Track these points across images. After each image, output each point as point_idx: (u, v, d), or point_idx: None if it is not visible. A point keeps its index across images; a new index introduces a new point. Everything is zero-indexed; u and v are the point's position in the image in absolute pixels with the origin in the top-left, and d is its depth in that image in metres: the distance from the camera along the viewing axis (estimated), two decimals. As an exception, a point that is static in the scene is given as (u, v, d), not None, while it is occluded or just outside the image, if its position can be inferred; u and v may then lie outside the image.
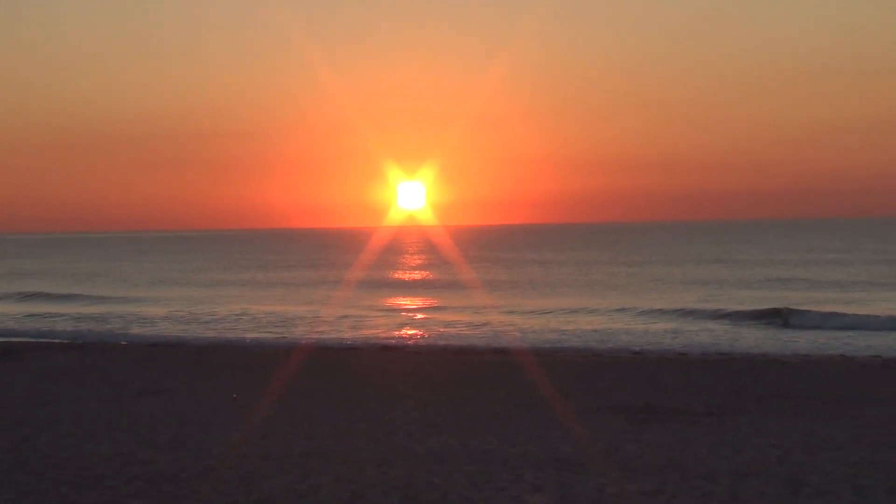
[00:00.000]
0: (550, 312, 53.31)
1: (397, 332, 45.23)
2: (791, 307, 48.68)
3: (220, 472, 14.31)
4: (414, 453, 15.50)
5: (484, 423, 18.16)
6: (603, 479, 13.75)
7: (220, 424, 18.13)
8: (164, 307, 60.31)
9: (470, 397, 21.60)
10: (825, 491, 13.03)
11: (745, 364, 28.53)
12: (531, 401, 21.00)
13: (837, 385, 23.61)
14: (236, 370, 27.12)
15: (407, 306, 60.59)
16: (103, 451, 15.80)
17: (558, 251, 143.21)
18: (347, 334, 44.31)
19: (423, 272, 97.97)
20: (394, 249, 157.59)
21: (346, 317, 53.06)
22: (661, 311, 51.33)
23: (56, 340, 39.80)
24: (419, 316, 54.38)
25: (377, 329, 46.72)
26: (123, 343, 39.37)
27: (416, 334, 44.61)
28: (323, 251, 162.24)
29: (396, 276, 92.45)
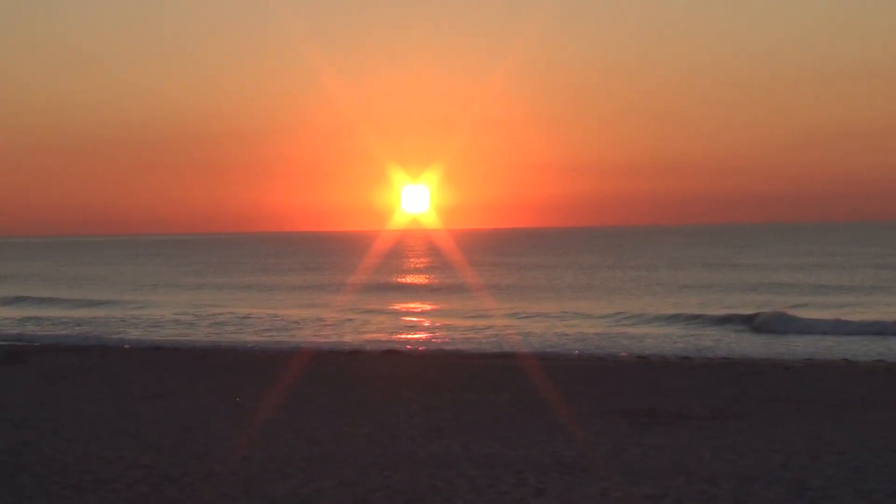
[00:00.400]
0: (553, 316, 53.28)
1: (400, 336, 45.22)
2: (776, 311, 48.83)
3: (223, 475, 14.30)
4: (417, 457, 15.48)
5: (487, 427, 18.14)
6: (606, 483, 13.73)
7: (222, 428, 18.12)
8: (167, 310, 60.32)
9: (473, 401, 21.58)
10: (829, 495, 13.00)
11: (748, 368, 28.50)
12: (534, 404, 20.98)
13: (841, 389, 23.57)
14: (239, 374, 27.11)
15: (410, 310, 60.57)
16: (106, 454, 15.79)
17: (561, 255, 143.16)
18: (350, 338, 44.31)
19: (426, 276, 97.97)
20: (397, 253, 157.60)
21: (348, 320, 53.07)
22: (664, 316, 51.29)
23: (59, 343, 39.79)
24: (422, 320, 54.36)
25: (380, 333, 46.72)
26: (126, 346, 39.36)
27: (418, 338, 44.61)
28: (326, 255, 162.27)
29: (399, 279, 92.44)
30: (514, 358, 32.10)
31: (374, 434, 17.48)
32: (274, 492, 13.35)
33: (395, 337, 44.78)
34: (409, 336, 45.48)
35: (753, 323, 46.08)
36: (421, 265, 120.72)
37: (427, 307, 62.10)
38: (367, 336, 45.07)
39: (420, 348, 39.99)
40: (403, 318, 55.49)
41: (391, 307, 61.80)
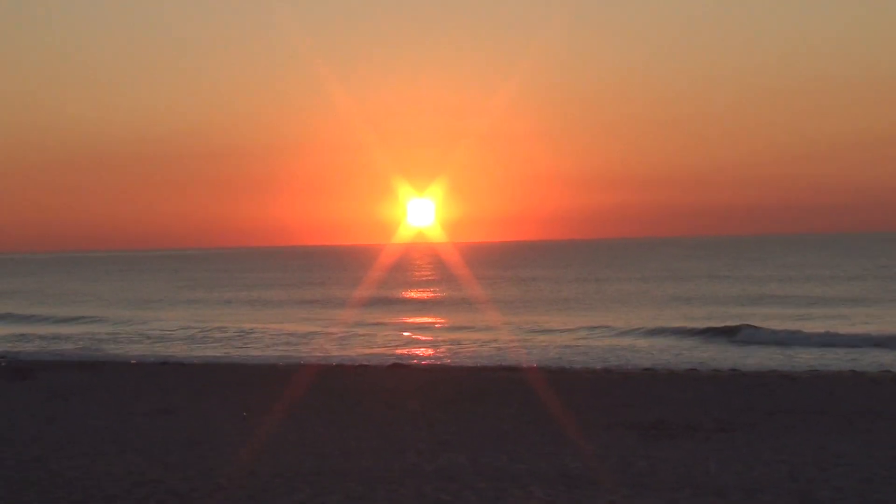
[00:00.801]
0: (559, 329, 53.25)
1: (406, 350, 45.21)
2: (750, 324, 49.24)
3: (230, 490, 14.30)
4: (423, 471, 15.48)
5: (493, 440, 18.13)
6: (613, 495, 13.72)
7: (229, 443, 18.12)
8: (174, 325, 60.35)
9: (479, 414, 21.57)
10: (837, 507, 12.98)
11: (755, 380, 28.46)
12: (541, 417, 20.97)
13: (848, 400, 23.53)
14: (246, 388, 27.11)
15: (416, 324, 60.55)
16: (113, 470, 15.79)
17: (567, 268, 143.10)
18: (356, 352, 44.31)
19: (431, 289, 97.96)
20: (403, 267, 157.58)
21: (354, 334, 53.07)
22: (670, 328, 51.24)
23: (66, 359, 39.82)
24: (428, 333, 54.35)
25: (386, 346, 46.71)
26: (133, 361, 39.38)
27: (424, 352, 44.59)
28: (332, 269, 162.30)
29: (405, 293, 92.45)
30: (520, 371, 32.08)
31: (381, 448, 17.48)
32: (281, 506, 13.34)
33: (401, 351, 44.77)
34: (415, 350, 45.48)
35: (735, 336, 46.40)
36: (426, 279, 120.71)
37: (432, 321, 62.08)
38: (373, 350, 45.07)
39: (426, 362, 39.98)
40: (409, 331, 55.47)
41: (397, 321, 61.79)
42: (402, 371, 33.02)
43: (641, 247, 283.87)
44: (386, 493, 14.01)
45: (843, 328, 48.10)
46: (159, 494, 14.07)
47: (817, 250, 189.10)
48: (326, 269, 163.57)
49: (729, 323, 52.02)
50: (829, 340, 43.69)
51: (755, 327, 48.33)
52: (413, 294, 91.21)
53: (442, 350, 44.81)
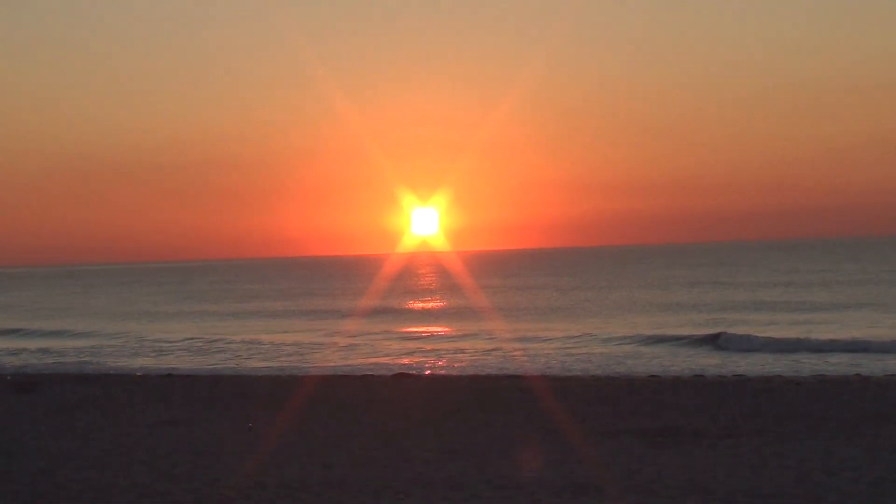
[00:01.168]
0: (562, 337, 53.23)
1: (412, 359, 45.19)
2: (729, 331, 49.45)
3: (237, 502, 14.29)
4: (430, 480, 15.46)
5: (500, 449, 18.11)
6: (620, 503, 13.70)
7: (235, 454, 18.12)
8: (179, 337, 60.35)
9: (486, 423, 21.55)
10: (845, 512, 12.96)
11: (762, 385, 28.43)
12: (547, 425, 20.95)
13: (854, 405, 23.50)
14: (251, 400, 27.10)
15: (421, 333, 60.53)
16: (120, 482, 15.79)
17: (567, 276, 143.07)
18: (362, 362, 44.29)
19: (436, 299, 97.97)
20: (407, 276, 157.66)
21: (360, 344, 53.06)
22: (672, 335, 51.18)
23: (71, 372, 39.82)
24: (433, 343, 54.33)
25: (391, 356, 46.70)
26: (138, 374, 39.38)
27: (429, 361, 44.57)
28: (338, 279, 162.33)
29: (410, 302, 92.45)
30: (525, 379, 32.06)
31: (388, 457, 17.47)
32: (288, 517, 13.33)
33: (405, 360, 44.75)
34: (420, 359, 45.45)
35: (717, 342, 46.66)
36: (430, 288, 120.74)
37: (437, 330, 62.06)
38: (378, 360, 45.05)
39: (431, 371, 39.97)
40: (414, 341, 55.45)
41: (402, 330, 61.77)
42: (407, 380, 33.01)
43: (644, 253, 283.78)
44: (392, 502, 14.00)
45: (817, 334, 48.43)
46: (166, 506, 14.05)
47: (815, 254, 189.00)
48: (331, 279, 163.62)
49: (724, 329, 51.93)
50: (757, 346, 44.53)
51: (737, 335, 48.50)
52: (417, 303, 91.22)
53: (446, 359, 44.80)
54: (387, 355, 47.16)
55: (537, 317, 69.02)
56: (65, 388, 30.93)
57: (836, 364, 37.79)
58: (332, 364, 43.32)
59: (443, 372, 39.56)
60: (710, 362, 40.00)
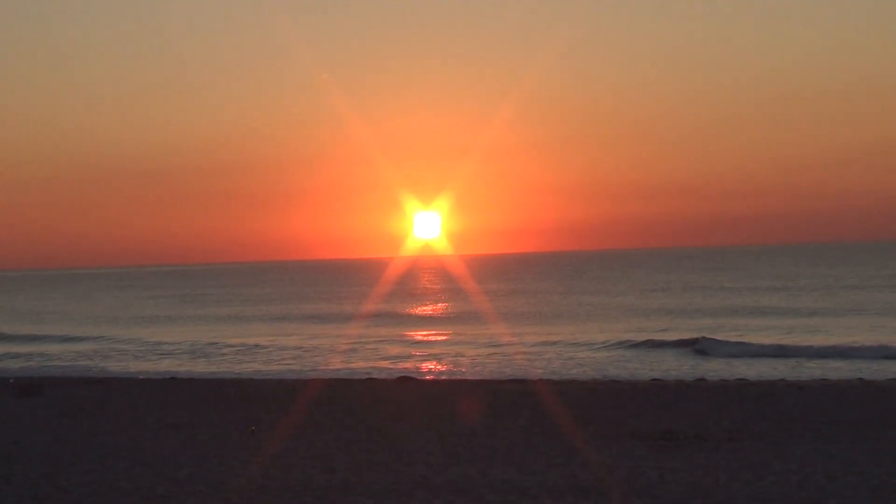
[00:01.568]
0: (567, 341, 53.22)
1: (415, 363, 45.21)
2: (708, 336, 49.80)
3: (240, 505, 14.30)
4: (433, 484, 15.48)
5: (503, 453, 18.12)
6: (623, 506, 13.70)
7: (238, 457, 18.13)
8: (182, 341, 60.38)
9: (488, 427, 21.56)
10: (847, 515, 12.97)
11: (764, 389, 28.43)
12: (550, 429, 20.95)
13: (856, 409, 23.50)
14: (254, 403, 27.11)
15: (423, 337, 60.56)
16: (123, 485, 15.81)
17: (573, 279, 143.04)
18: (365, 365, 44.32)
19: (438, 302, 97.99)
20: (410, 279, 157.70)
21: (362, 348, 53.07)
22: (673, 339, 51.21)
23: (74, 376, 39.85)
24: (435, 346, 54.35)
25: (393, 359, 46.71)
26: (141, 377, 39.41)
27: (432, 364, 44.59)
28: (341, 282, 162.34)
29: (412, 306, 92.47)
30: (527, 383, 32.07)
31: (390, 461, 17.48)
32: (291, 520, 13.34)
33: (408, 364, 44.76)
34: (423, 363, 45.47)
35: (695, 346, 46.89)
36: (432, 291, 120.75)
37: (440, 334, 62.07)
38: (381, 363, 45.07)
39: (433, 375, 39.98)
40: (416, 344, 55.48)
41: (405, 334, 61.79)
42: (409, 384, 33.02)
43: (641, 257, 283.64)
44: (395, 506, 14.00)
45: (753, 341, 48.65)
46: (169, 509, 14.07)
47: (813, 259, 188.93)
48: (335, 283, 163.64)
49: (703, 334, 51.98)
50: (731, 351, 44.80)
51: (714, 339, 48.67)
52: (419, 307, 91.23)
53: (449, 363, 44.81)
54: (389, 359, 47.18)
55: (538, 320, 69.03)
56: (68, 392, 30.96)
57: (838, 368, 37.81)
58: (335, 367, 43.33)
59: (445, 375, 39.58)
60: (713, 366, 40.03)
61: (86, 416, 24.87)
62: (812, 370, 37.43)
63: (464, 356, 47.12)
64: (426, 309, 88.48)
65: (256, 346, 55.49)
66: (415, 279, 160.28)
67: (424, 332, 63.32)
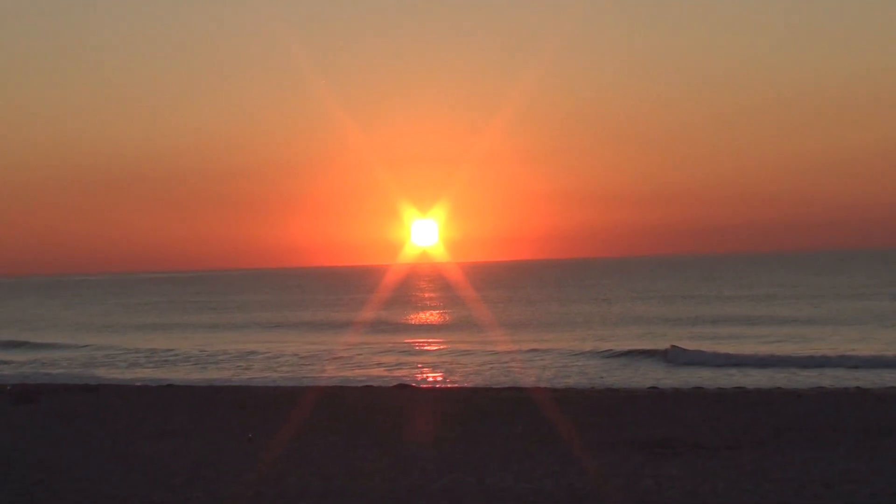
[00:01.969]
0: (564, 348, 53.22)
1: (412, 370, 45.18)
2: (677, 345, 49.93)
3: (236, 512, 14.26)
4: (429, 491, 15.44)
5: (500, 460, 18.09)
6: (620, 514, 13.67)
7: (235, 465, 18.09)
8: (178, 348, 60.32)
9: (485, 434, 21.53)
10: (845, 524, 12.93)
11: (762, 397, 28.40)
12: (547, 437, 20.92)
13: (854, 417, 23.47)
14: (250, 410, 27.07)
15: (421, 344, 60.53)
16: (118, 492, 15.77)
17: (571, 287, 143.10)
18: (361, 372, 44.27)
19: (436, 309, 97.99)
20: (408, 286, 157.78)
21: (359, 355, 53.03)
22: (613, 349, 51.27)
23: (70, 383, 39.79)
24: (432, 353, 54.32)
25: (390, 367, 46.68)
26: (137, 384, 39.35)
27: (429, 372, 44.56)
28: (339, 290, 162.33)
29: (409, 314, 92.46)
30: (525, 390, 32.03)
31: (387, 468, 17.44)
32: (287, 528, 13.30)
33: (405, 371, 44.73)
34: (420, 370, 45.44)
35: (666, 356, 47.08)
36: (431, 299, 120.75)
37: (437, 341, 62.05)
38: (378, 371, 45.04)
39: (430, 382, 39.95)
40: (413, 352, 55.45)
41: (402, 341, 61.76)
42: (406, 391, 32.99)
43: (634, 265, 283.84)
44: (392, 513, 13.96)
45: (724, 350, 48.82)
46: (165, 517, 14.02)
47: (802, 268, 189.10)
48: (332, 290, 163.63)
49: (674, 343, 52.03)
50: (719, 360, 45.04)
51: (684, 349, 48.78)
52: (417, 314, 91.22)
53: (446, 370, 44.78)
54: (387, 366, 47.15)
55: (535, 328, 69.02)
56: (64, 399, 30.90)
57: (835, 377, 37.83)
58: (332, 374, 43.29)
59: (442, 383, 39.54)
60: (710, 375, 40.04)
61: (81, 423, 24.82)
62: (809, 379, 37.42)
63: (460, 364, 47.09)
64: (423, 316, 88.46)
65: (253, 353, 55.45)
66: (412, 286, 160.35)
67: (422, 340, 63.29)
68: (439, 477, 16.55)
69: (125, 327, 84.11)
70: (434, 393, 33.32)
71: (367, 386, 36.43)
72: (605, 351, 50.82)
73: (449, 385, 38.29)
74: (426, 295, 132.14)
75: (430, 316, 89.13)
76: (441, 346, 58.20)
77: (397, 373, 43.73)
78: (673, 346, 49.12)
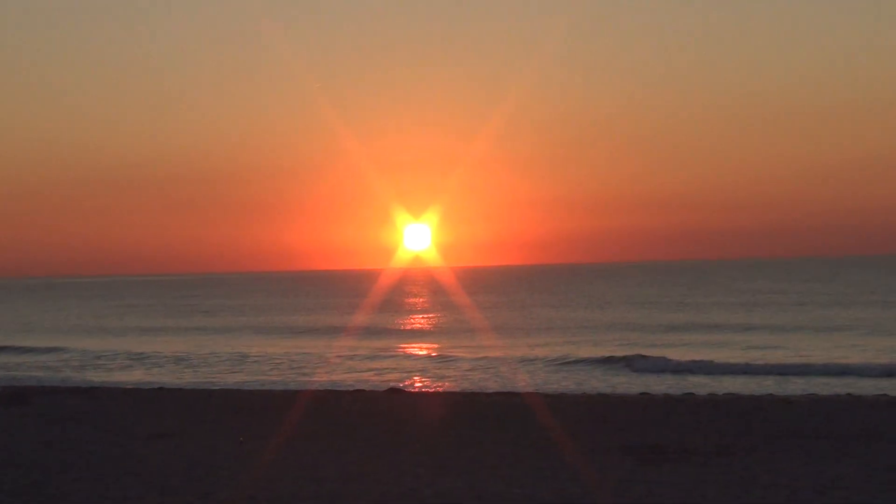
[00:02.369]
0: (557, 354, 53.26)
1: (404, 375, 45.21)
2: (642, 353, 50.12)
3: (229, 515, 14.27)
4: (421, 496, 15.47)
5: (491, 465, 18.12)
6: (612, 519, 13.71)
7: (228, 468, 18.11)
8: (171, 350, 60.30)
9: (477, 439, 21.56)
10: (835, 530, 12.98)
11: (753, 403, 28.47)
12: (539, 442, 20.96)
13: (846, 423, 23.53)
14: (243, 413, 27.09)
15: (413, 348, 60.56)
16: (111, 495, 15.78)
17: (564, 292, 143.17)
18: (353, 377, 44.29)
19: (428, 314, 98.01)
20: (401, 291, 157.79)
21: (351, 359, 53.05)
22: (581, 357, 51.32)
23: (63, 385, 39.77)
24: (426, 358, 54.34)
25: (384, 371, 46.70)
26: (130, 387, 39.35)
27: (421, 376, 44.58)
28: (332, 293, 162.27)
29: (403, 317, 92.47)
30: (517, 395, 32.07)
31: (379, 472, 17.47)
32: (280, 531, 13.33)
33: (397, 375, 44.76)
34: (412, 375, 45.45)
35: (633, 365, 47.24)
36: (423, 303, 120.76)
37: (430, 345, 62.08)
38: (371, 375, 45.06)
39: (422, 387, 39.97)
40: (407, 356, 55.47)
41: (394, 346, 61.79)
42: (399, 396, 33.01)
43: (626, 271, 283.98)
44: (384, 517, 13.99)
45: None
46: (158, 519, 14.04)
47: (794, 274, 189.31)
48: (325, 293, 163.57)
49: (640, 351, 52.12)
50: (663, 367, 45.17)
51: (647, 356, 48.93)
52: (409, 319, 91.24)
53: (438, 375, 44.81)
54: (379, 370, 47.17)
55: (531, 333, 69.06)
56: (55, 401, 30.89)
57: (826, 384, 37.92)
58: (325, 378, 43.30)
59: (435, 387, 39.57)
60: (702, 381, 40.12)
61: (74, 425, 24.81)
62: (800, 385, 37.50)
63: (454, 368, 47.12)
64: (416, 321, 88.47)
65: (245, 356, 55.43)
66: (405, 291, 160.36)
67: (414, 344, 63.31)
68: (431, 482, 16.59)
69: (116, 330, 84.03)
70: (426, 397, 33.35)
71: (358, 390, 36.46)
72: (615, 356, 51.02)
73: (441, 390, 38.31)
74: (419, 299, 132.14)
75: (423, 320, 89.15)
76: (433, 351, 58.22)
77: (389, 377, 43.76)
78: (638, 354, 49.38)
